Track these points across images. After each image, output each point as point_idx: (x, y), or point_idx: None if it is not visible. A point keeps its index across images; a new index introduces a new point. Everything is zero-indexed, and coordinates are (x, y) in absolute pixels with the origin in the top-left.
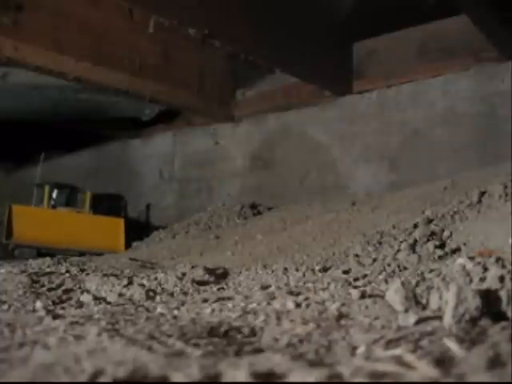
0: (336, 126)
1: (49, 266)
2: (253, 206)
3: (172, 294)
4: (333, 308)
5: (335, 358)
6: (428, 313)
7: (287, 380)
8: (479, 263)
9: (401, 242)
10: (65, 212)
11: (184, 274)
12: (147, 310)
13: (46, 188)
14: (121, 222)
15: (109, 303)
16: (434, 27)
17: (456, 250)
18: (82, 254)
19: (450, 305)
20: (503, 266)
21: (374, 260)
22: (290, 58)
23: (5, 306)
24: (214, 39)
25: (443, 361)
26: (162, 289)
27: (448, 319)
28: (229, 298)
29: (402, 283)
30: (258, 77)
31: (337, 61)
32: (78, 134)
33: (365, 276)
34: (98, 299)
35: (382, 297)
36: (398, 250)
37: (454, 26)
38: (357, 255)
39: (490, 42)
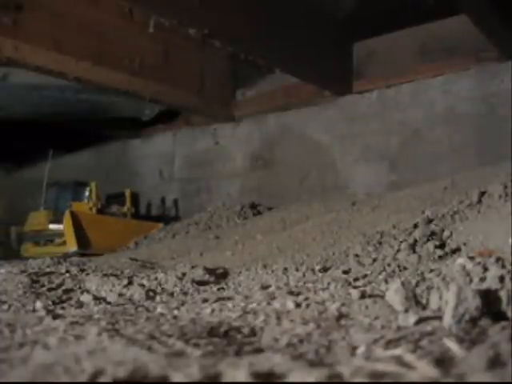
0: (336, 126)
1: (49, 266)
2: (253, 206)
3: (172, 294)
4: (333, 308)
5: (335, 358)
6: (428, 313)
7: (287, 380)
8: (479, 263)
9: (401, 241)
10: (116, 219)
11: (184, 274)
12: (147, 309)
13: (93, 185)
14: (160, 226)
15: (109, 303)
16: (435, 27)
17: (456, 250)
18: None
19: (450, 305)
20: (503, 266)
21: (374, 260)
22: (290, 58)
23: (5, 306)
24: (214, 39)
25: (443, 361)
26: (162, 289)
27: (448, 319)
28: (229, 298)
29: (402, 283)
30: (258, 77)
31: (337, 61)
32: (78, 134)
33: (365, 276)
34: (98, 299)
35: (382, 297)
36: (398, 250)
37: (455, 26)
38: (357, 255)
39: (491, 42)
